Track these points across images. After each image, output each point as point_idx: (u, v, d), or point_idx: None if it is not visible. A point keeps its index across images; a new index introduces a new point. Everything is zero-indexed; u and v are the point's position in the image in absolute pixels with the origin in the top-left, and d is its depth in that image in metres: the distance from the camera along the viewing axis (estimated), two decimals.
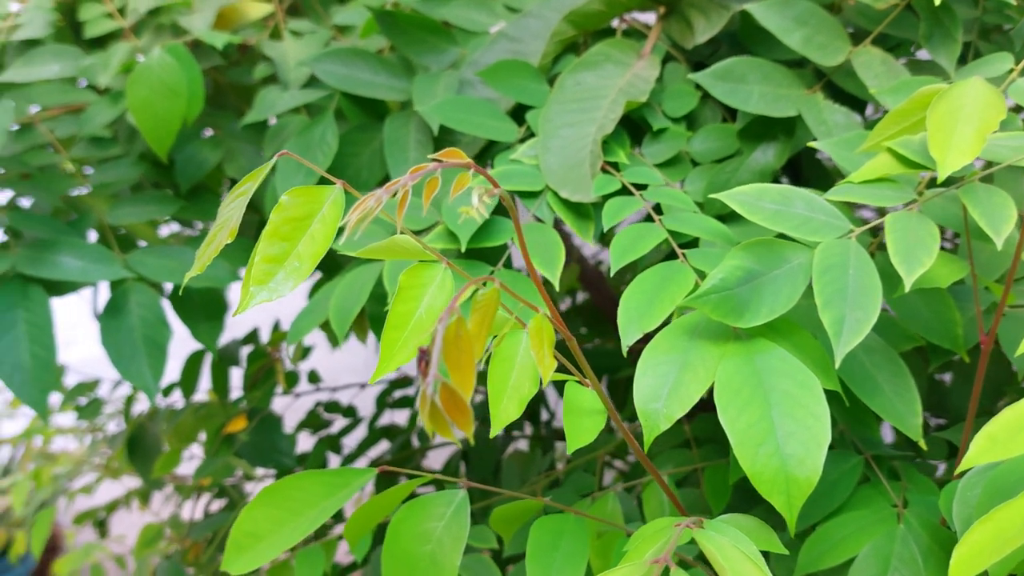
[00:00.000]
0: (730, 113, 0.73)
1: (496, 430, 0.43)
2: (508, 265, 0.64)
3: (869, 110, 0.72)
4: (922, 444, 0.57)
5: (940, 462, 0.79)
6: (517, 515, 0.60)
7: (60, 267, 0.68)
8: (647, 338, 0.51)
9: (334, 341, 1.27)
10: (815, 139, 0.63)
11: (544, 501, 0.56)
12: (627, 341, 0.51)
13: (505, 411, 0.42)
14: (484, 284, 0.31)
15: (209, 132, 0.88)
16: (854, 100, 0.67)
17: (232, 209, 0.38)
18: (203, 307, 0.81)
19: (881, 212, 0.53)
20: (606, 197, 0.61)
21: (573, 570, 0.53)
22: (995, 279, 0.60)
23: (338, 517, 1.03)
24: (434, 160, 0.33)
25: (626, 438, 0.46)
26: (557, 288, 0.58)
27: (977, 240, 0.55)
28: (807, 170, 0.79)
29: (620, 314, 0.51)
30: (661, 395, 0.48)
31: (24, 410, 1.48)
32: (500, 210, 0.65)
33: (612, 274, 0.54)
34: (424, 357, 0.29)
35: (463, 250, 0.59)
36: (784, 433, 0.46)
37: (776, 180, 0.69)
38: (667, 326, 0.51)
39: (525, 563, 0.63)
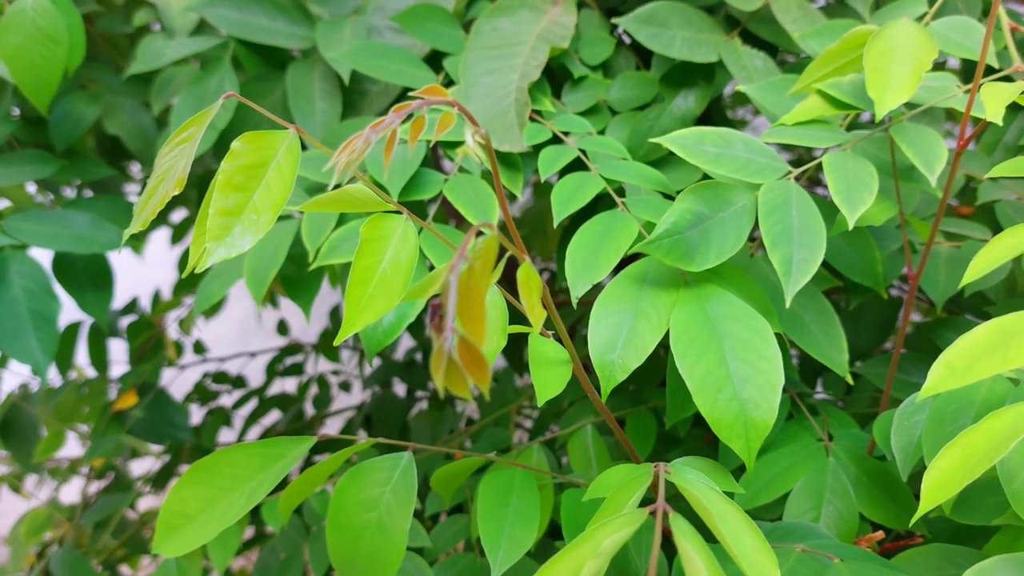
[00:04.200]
0: (643, 61, 0.72)
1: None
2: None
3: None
4: (849, 379, 0.58)
5: (838, 397, 0.82)
6: (458, 474, 0.58)
7: None
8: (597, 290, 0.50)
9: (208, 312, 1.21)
10: (729, 86, 0.64)
11: (491, 457, 0.55)
12: (577, 293, 0.50)
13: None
14: (481, 233, 0.29)
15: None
16: (766, 47, 0.67)
17: (174, 158, 0.35)
18: (88, 275, 0.74)
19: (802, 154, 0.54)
20: (537, 147, 0.60)
21: (527, 525, 0.52)
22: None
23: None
24: (417, 98, 0.30)
25: (586, 389, 0.45)
26: None
27: (887, 177, 0.57)
28: (715, 117, 0.79)
29: (568, 267, 0.50)
30: (616, 345, 0.47)
31: None
32: (427, 162, 0.62)
33: (556, 224, 0.53)
34: (437, 311, 0.26)
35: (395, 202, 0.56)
36: (740, 378, 0.46)
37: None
38: (617, 276, 0.50)
39: (473, 520, 0.61)
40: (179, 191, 0.33)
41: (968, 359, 0.40)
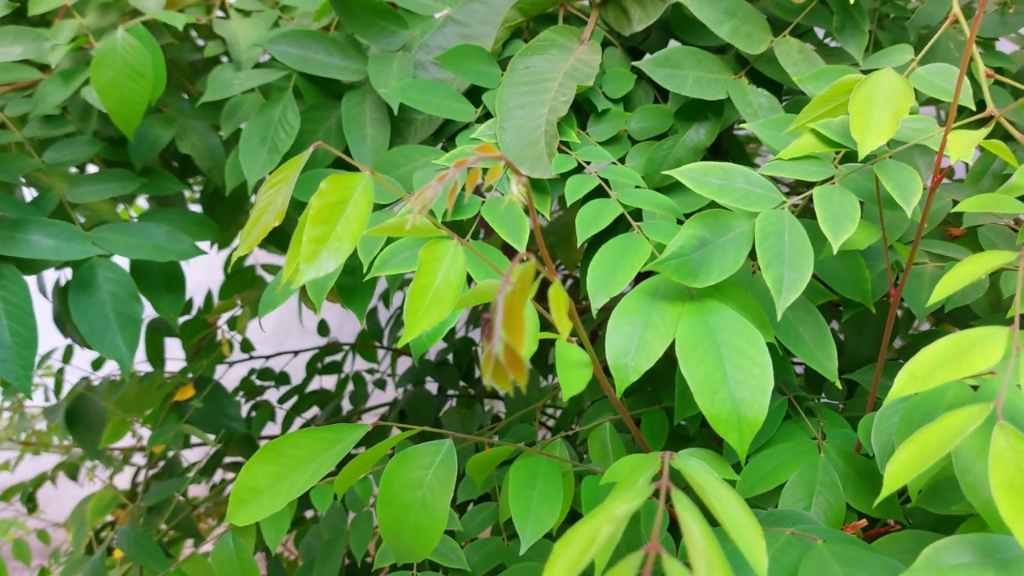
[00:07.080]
0: (661, 94, 0.80)
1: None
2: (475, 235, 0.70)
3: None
4: (838, 384, 0.66)
5: (840, 401, 0.90)
6: (490, 461, 0.66)
7: (32, 246, 0.70)
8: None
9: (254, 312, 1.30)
10: (740, 119, 0.72)
11: (520, 447, 0.63)
12: (596, 305, 0.58)
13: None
14: (522, 260, 0.37)
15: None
16: (772, 84, 0.75)
17: (273, 194, 0.43)
18: (163, 281, 0.83)
19: (797, 185, 0.62)
20: (564, 175, 0.68)
21: (550, 506, 0.60)
22: (894, 240, 0.70)
23: None
24: (472, 154, 0.38)
25: (604, 388, 0.53)
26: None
27: (874, 206, 0.64)
28: (727, 145, 0.87)
29: (588, 282, 0.58)
30: (630, 350, 0.55)
31: None
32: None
33: (580, 244, 0.60)
34: (487, 323, 0.34)
35: (439, 223, 0.64)
36: (735, 381, 0.54)
37: (705, 156, 0.77)
38: (631, 290, 0.58)
39: (504, 502, 0.69)
40: (279, 223, 0.41)
41: (928, 368, 0.47)
